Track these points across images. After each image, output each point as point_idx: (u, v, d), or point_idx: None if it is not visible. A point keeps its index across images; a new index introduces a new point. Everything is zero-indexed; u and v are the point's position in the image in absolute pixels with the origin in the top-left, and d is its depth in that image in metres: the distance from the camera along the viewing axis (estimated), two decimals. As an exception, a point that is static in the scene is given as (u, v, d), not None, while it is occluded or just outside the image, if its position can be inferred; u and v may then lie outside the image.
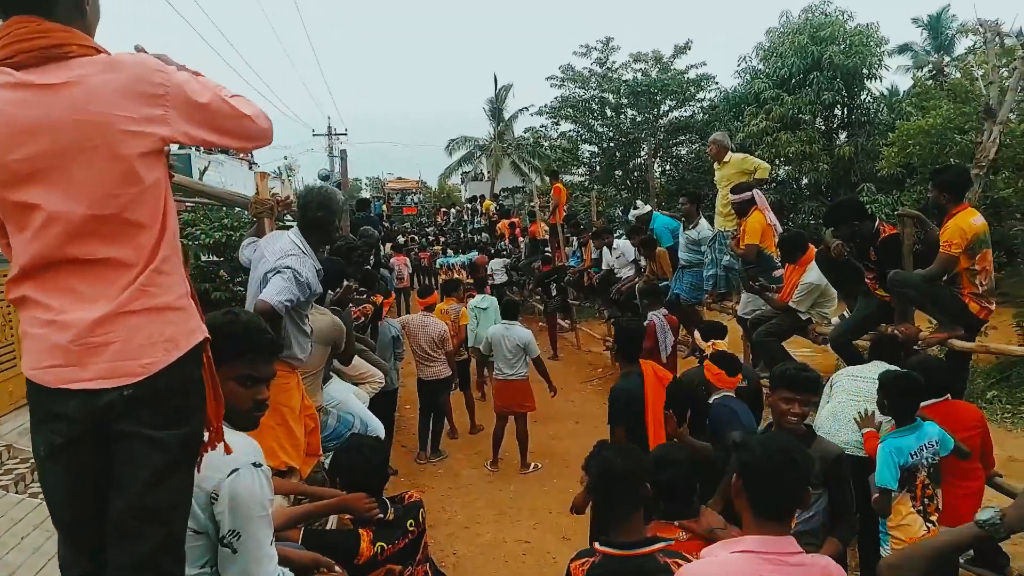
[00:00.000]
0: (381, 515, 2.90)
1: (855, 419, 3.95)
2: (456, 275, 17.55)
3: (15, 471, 5.97)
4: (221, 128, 1.71)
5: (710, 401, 4.13)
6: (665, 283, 8.15)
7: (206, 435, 1.72)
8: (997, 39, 9.42)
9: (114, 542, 1.59)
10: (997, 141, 9.14)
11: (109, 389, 1.53)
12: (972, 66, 13.13)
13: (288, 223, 4.31)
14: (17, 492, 5.66)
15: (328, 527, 3.14)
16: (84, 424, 1.54)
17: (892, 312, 5.04)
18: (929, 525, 3.49)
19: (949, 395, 3.87)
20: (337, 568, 2.39)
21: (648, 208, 9.28)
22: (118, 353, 1.54)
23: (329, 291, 4.50)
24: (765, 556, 1.84)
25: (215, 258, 10.29)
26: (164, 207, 1.65)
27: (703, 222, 7.76)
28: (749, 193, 6.65)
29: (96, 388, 1.53)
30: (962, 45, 23.74)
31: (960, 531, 1.98)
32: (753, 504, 1.94)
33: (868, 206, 9.36)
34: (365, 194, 39.94)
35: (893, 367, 4.27)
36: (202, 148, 20.93)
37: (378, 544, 2.84)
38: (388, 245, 13.91)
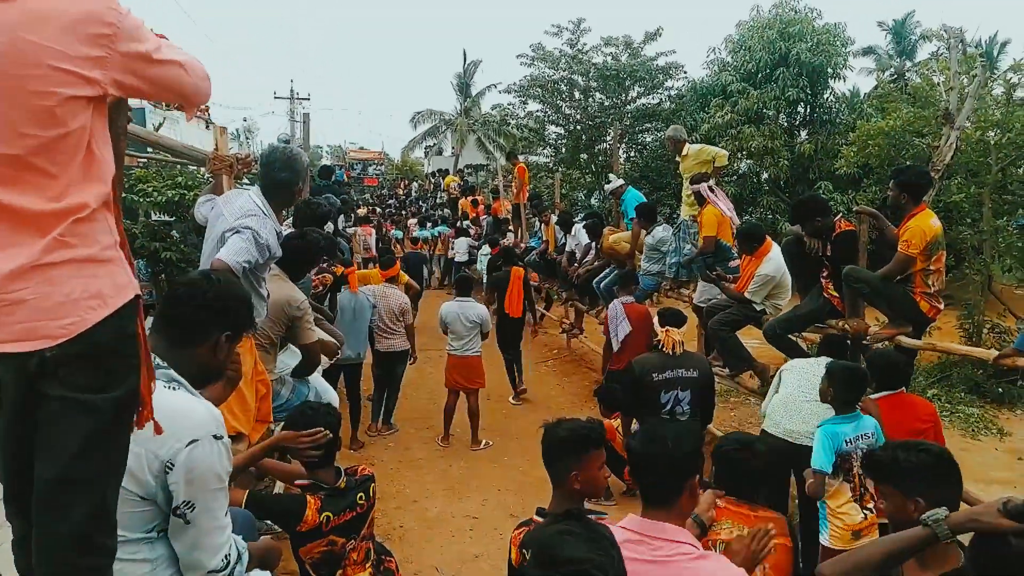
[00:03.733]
0: (329, 482, 2.87)
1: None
2: (419, 248, 17.55)
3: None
4: (157, 84, 1.58)
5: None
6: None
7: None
8: (960, 46, 9.63)
9: (40, 514, 1.48)
10: (954, 146, 9.37)
11: (31, 352, 1.39)
12: (934, 71, 13.41)
13: (245, 185, 4.16)
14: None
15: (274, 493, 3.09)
16: (16, 389, 1.43)
17: (835, 313, 5.15)
18: (867, 512, 3.61)
19: (904, 388, 3.98)
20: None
21: (620, 182, 9.28)
22: (34, 312, 1.39)
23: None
24: (634, 534, 1.92)
25: (167, 217, 9.99)
26: (89, 156, 1.49)
27: (657, 228, 7.80)
28: (703, 184, 6.80)
29: (12, 351, 1.38)
30: (924, 51, 24.27)
31: (905, 534, 1.92)
32: (639, 488, 2.10)
33: (826, 203, 9.54)
34: (326, 162, 39.24)
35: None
36: (161, 103, 20.29)
37: (324, 514, 2.80)
38: (345, 216, 13.73)
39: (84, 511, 1.47)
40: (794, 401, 4.24)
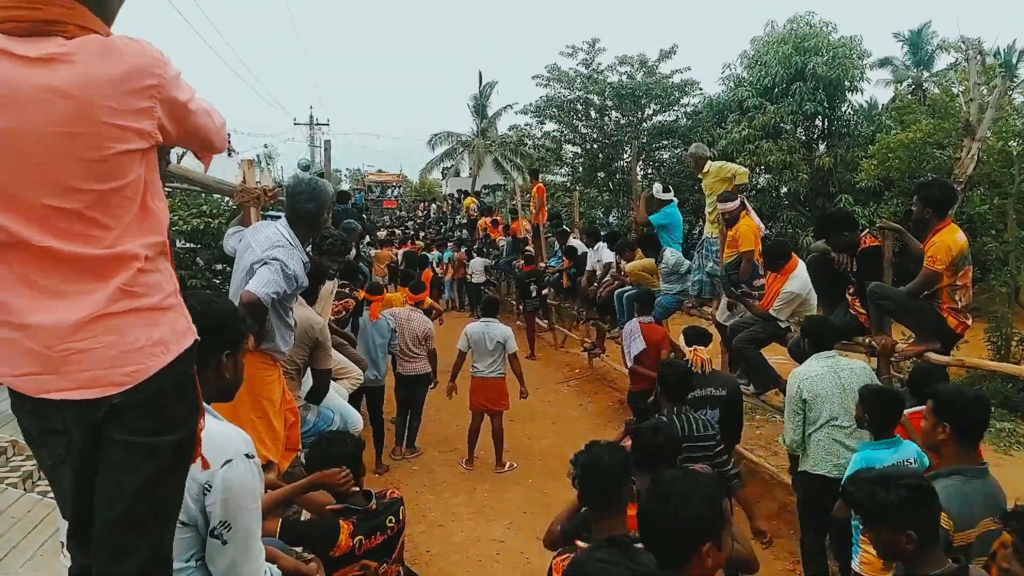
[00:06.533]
0: (360, 505, 2.90)
1: None
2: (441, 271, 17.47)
3: (22, 468, 5.69)
4: (190, 131, 1.62)
5: None
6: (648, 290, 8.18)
7: None
8: (979, 56, 9.58)
9: (101, 555, 1.50)
10: (975, 157, 9.29)
11: (99, 399, 1.42)
12: (953, 82, 13.33)
13: (268, 215, 4.23)
14: (24, 489, 5.42)
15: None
16: (82, 435, 1.46)
17: (862, 330, 5.08)
18: None
19: None
20: (313, 564, 2.36)
21: (669, 196, 8.97)
22: (101, 360, 1.42)
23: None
24: None
25: (192, 245, 10.15)
26: (143, 205, 1.51)
27: (665, 254, 7.79)
28: (737, 200, 6.68)
29: (81, 399, 1.42)
30: (942, 61, 24.14)
31: None
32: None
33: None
34: (345, 186, 39.63)
35: (846, 360, 4.32)
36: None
37: (357, 538, 2.83)
38: (366, 239, 13.80)
39: (143, 553, 1.49)
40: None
